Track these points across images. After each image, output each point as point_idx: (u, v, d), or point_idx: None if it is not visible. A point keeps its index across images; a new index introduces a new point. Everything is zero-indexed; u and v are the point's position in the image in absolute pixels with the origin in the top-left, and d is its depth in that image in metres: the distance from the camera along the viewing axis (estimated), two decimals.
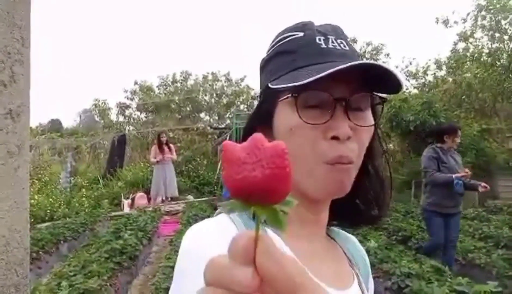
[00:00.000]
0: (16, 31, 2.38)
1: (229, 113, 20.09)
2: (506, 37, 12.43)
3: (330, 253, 0.67)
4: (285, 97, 0.58)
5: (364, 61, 0.52)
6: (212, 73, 21.57)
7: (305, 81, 0.52)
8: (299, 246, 0.60)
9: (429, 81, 16.26)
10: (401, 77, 0.54)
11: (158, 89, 21.67)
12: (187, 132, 15.67)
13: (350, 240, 0.74)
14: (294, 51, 0.59)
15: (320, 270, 0.60)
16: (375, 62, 0.53)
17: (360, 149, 0.58)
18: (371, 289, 0.71)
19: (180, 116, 20.20)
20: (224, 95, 21.45)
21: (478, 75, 12.26)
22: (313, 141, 0.56)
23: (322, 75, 0.51)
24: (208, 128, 16.55)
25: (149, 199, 10.43)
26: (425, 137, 11.15)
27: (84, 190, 11.27)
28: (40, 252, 5.13)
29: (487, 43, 13.19)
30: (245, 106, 21.84)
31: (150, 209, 9.27)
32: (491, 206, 9.76)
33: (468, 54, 13.76)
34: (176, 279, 0.52)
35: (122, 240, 5.25)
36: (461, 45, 14.19)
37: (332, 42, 0.59)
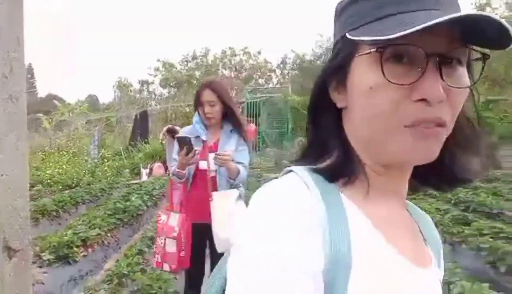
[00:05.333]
0: (14, 33, 3.12)
1: (248, 87, 20.65)
2: None
3: (409, 226, 0.61)
4: (367, 51, 0.49)
5: (469, 12, 0.43)
6: (230, 48, 22.03)
7: (395, 35, 0.43)
8: (376, 212, 0.54)
9: None
10: (510, 30, 0.43)
11: (180, 65, 22.43)
12: None
13: (424, 217, 0.67)
14: None
15: (399, 241, 0.54)
16: (482, 13, 0.43)
17: (454, 113, 0.50)
18: (442, 272, 0.65)
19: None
20: (243, 69, 21.95)
21: None
22: (397, 103, 0.47)
23: (417, 28, 0.42)
24: None
25: (165, 169, 11.36)
26: None
27: (106, 161, 12.35)
28: (60, 212, 6.07)
29: None
30: (263, 79, 22.26)
31: (166, 178, 10.19)
32: (491, 176, 9.93)
33: None
34: (274, 237, 0.45)
35: (129, 202, 6.11)
36: None
37: None
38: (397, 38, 0.44)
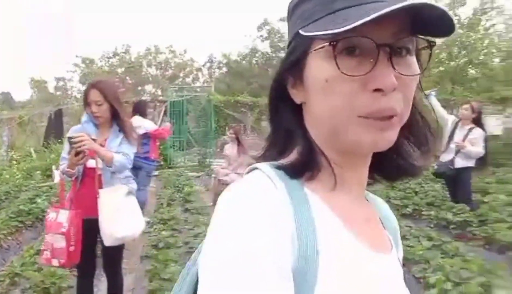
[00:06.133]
0: None
1: (173, 86, 20.49)
2: None
3: (371, 215, 0.62)
4: (320, 46, 0.50)
5: (414, 2, 0.44)
6: (155, 46, 21.68)
7: (347, 27, 0.44)
8: (340, 205, 0.55)
9: None
10: (453, 18, 0.45)
11: (100, 61, 21.55)
12: (128, 105, 15.92)
13: (381, 203, 0.69)
14: None
15: (363, 232, 0.56)
16: (427, 2, 0.44)
17: (406, 100, 0.51)
18: (401, 258, 0.67)
19: (123, 89, 20.35)
20: (168, 67, 21.70)
21: None
22: (352, 94, 0.49)
23: (367, 19, 0.43)
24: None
25: None
26: None
27: (15, 162, 11.56)
28: None
29: None
30: (191, 79, 22.25)
31: None
32: None
33: None
34: (242, 235, 0.45)
35: (35, 204, 5.90)
36: None
37: None
38: (347, 30, 0.45)
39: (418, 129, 0.59)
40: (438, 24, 0.47)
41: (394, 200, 6.42)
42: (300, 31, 0.52)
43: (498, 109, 13.21)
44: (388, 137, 0.51)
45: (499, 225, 4.74)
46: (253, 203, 0.48)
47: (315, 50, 0.51)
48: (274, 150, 0.60)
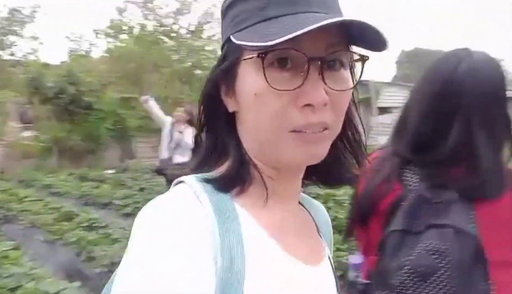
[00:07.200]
0: None
1: None
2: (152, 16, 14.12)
3: (303, 224, 0.62)
4: (249, 56, 0.48)
5: (344, 18, 0.44)
6: None
7: (273, 42, 0.43)
8: (271, 219, 0.53)
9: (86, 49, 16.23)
10: (385, 34, 0.46)
11: None
12: None
13: (317, 205, 0.69)
14: None
15: (294, 245, 0.55)
16: (359, 20, 0.44)
17: (338, 115, 0.51)
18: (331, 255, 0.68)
19: None
20: None
21: (129, 47, 13.41)
22: (282, 110, 0.48)
23: (296, 34, 0.42)
24: None
25: None
26: (68, 104, 11.26)
27: None
28: None
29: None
30: None
31: None
32: (127, 165, 11.20)
33: (124, 27, 14.73)
34: (161, 258, 0.42)
35: None
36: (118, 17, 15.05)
37: None
38: (277, 43, 0.43)
39: (354, 140, 0.60)
40: (372, 39, 0.48)
41: (116, 200, 6.35)
42: (231, 37, 0.51)
43: None
44: (320, 151, 0.51)
45: None
46: (172, 220, 0.46)
47: (244, 59, 0.50)
48: (210, 160, 0.57)
